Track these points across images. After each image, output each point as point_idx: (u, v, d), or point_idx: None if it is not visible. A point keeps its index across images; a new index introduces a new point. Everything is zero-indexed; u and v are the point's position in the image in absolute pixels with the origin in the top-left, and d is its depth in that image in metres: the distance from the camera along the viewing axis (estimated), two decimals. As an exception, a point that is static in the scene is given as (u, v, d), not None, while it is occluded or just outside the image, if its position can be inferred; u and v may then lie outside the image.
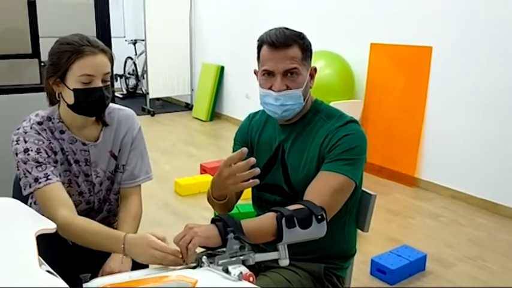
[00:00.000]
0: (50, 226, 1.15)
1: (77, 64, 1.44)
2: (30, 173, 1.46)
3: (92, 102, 1.48)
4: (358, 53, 4.59)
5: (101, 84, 1.47)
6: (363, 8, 4.58)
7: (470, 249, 3.11)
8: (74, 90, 1.46)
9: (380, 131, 4.39)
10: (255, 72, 1.54)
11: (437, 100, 4.02)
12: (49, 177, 1.46)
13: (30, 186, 1.46)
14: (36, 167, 1.47)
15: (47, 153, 1.49)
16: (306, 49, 1.47)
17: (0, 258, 0.95)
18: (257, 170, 1.31)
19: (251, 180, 1.32)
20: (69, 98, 1.48)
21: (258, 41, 1.48)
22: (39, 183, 1.45)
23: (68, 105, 1.50)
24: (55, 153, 1.53)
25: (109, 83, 1.52)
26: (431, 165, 4.12)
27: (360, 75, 4.62)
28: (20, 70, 2.84)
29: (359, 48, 4.58)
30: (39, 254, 1.01)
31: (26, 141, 1.48)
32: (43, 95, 1.58)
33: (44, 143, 1.51)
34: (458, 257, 3.00)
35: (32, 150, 1.47)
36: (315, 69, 1.53)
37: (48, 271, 1.00)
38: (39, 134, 1.52)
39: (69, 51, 1.44)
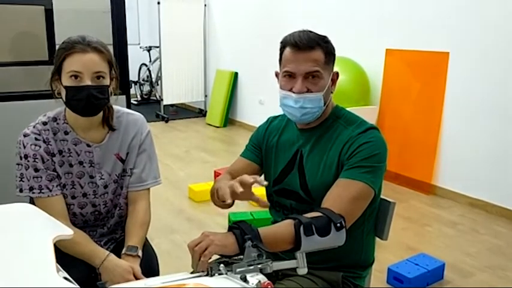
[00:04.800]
0: (67, 232, 1.14)
1: (67, 61, 1.47)
2: (28, 180, 1.53)
3: (80, 100, 1.48)
4: (373, 59, 4.56)
5: (89, 83, 1.48)
6: (378, 13, 4.56)
7: (489, 258, 3.04)
8: (65, 87, 1.49)
9: (396, 137, 4.35)
10: (276, 74, 1.52)
11: (454, 106, 3.97)
12: (43, 190, 1.54)
13: (22, 191, 1.54)
14: (34, 177, 1.53)
15: (43, 160, 1.53)
16: (330, 53, 1.45)
17: (18, 265, 0.95)
18: (264, 183, 1.34)
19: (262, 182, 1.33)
20: (64, 95, 1.51)
21: (281, 42, 1.47)
22: (33, 193, 1.53)
23: (64, 103, 1.53)
24: (52, 155, 1.56)
25: (104, 82, 1.51)
26: (448, 172, 4.06)
27: (375, 81, 4.58)
28: (36, 77, 2.87)
29: (374, 54, 4.55)
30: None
31: (25, 146, 1.53)
32: (59, 102, 1.59)
33: (40, 147, 1.54)
34: (477, 266, 2.94)
35: (30, 157, 1.52)
36: (337, 74, 1.51)
37: (66, 278, 1.00)
38: (38, 135, 1.54)
39: (63, 48, 1.48)
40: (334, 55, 1.48)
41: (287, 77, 1.45)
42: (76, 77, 1.47)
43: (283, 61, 1.46)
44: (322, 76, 1.43)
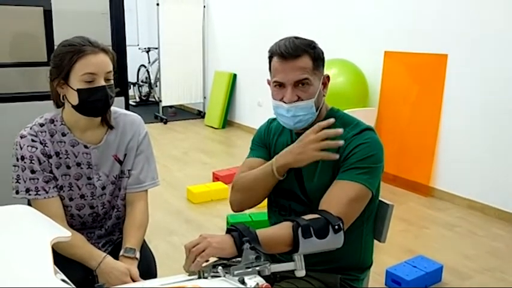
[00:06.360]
0: (65, 234, 1.14)
1: (79, 63, 1.46)
2: (24, 181, 1.52)
3: (96, 101, 1.49)
4: (372, 61, 4.56)
5: (104, 83, 1.49)
6: (377, 15, 4.56)
7: (487, 260, 3.04)
8: (78, 90, 1.47)
9: (394, 139, 4.35)
10: (268, 82, 1.53)
11: (452, 108, 3.97)
12: (39, 192, 1.53)
13: (18, 193, 1.53)
14: (30, 179, 1.52)
15: (39, 161, 1.53)
16: (317, 58, 1.44)
17: (15, 267, 0.95)
18: (341, 142, 1.37)
19: (331, 154, 1.37)
20: (74, 98, 1.49)
21: (269, 52, 1.47)
22: (29, 194, 1.53)
23: (73, 106, 1.51)
24: (49, 156, 1.55)
25: (112, 82, 1.53)
26: (447, 174, 4.06)
27: (373, 83, 4.59)
28: (35, 78, 2.87)
29: (373, 56, 4.55)
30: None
31: (21, 148, 1.52)
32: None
33: (37, 149, 1.53)
34: (475, 268, 2.94)
35: (26, 158, 1.52)
36: (328, 77, 1.51)
37: (63, 280, 1.00)
38: (35, 137, 1.54)
39: (71, 51, 1.47)
40: (322, 59, 1.47)
41: (277, 86, 1.45)
42: (91, 78, 1.47)
43: (272, 71, 1.47)
44: (311, 82, 1.43)
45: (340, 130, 1.37)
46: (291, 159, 1.41)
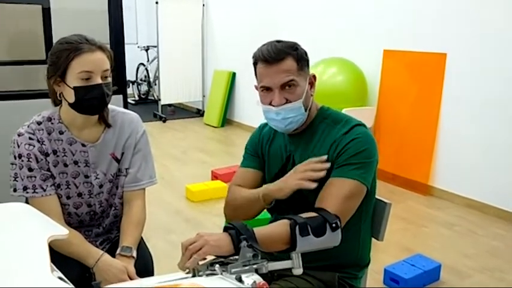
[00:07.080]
0: (62, 232, 1.14)
1: (76, 61, 1.46)
2: (22, 179, 1.52)
3: (92, 99, 1.49)
4: (371, 60, 4.56)
5: (100, 81, 1.48)
6: (376, 14, 4.56)
7: (486, 260, 3.04)
8: (74, 88, 1.47)
9: (393, 138, 4.35)
10: (256, 87, 1.53)
11: (451, 107, 3.97)
12: (36, 190, 1.53)
13: (15, 191, 1.54)
14: (28, 177, 1.52)
15: (36, 159, 1.53)
16: (301, 58, 1.45)
17: (12, 265, 0.95)
18: (327, 165, 1.38)
19: (310, 183, 1.36)
20: (70, 96, 1.49)
21: (253, 58, 1.48)
22: (27, 192, 1.53)
23: (69, 104, 1.51)
24: (46, 154, 1.55)
25: (109, 80, 1.53)
26: (445, 173, 4.06)
27: (373, 82, 4.59)
28: (33, 76, 2.86)
29: (372, 55, 4.55)
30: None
31: (19, 146, 1.52)
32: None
33: (34, 147, 1.53)
34: (474, 267, 2.94)
35: (24, 156, 1.52)
36: (314, 77, 1.52)
37: (60, 278, 0.99)
38: (32, 135, 1.54)
39: (68, 49, 1.46)
40: (306, 60, 1.48)
41: (264, 91, 1.46)
42: (87, 76, 1.47)
43: (258, 76, 1.48)
44: (298, 84, 1.43)
45: (324, 157, 1.40)
46: (273, 189, 1.44)
